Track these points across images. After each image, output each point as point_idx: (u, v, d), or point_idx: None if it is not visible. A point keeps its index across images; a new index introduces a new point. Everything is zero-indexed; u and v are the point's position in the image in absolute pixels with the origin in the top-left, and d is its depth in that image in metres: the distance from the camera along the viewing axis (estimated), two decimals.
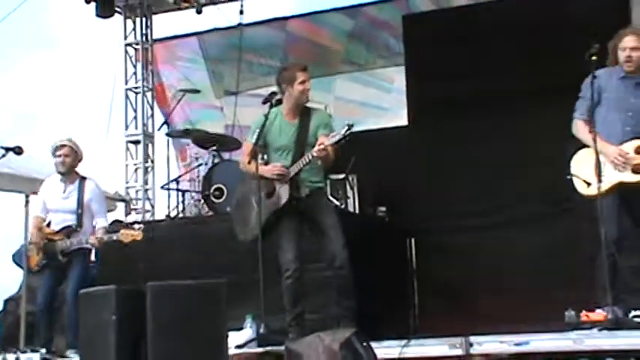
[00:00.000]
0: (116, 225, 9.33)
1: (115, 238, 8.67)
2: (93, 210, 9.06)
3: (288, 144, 7.86)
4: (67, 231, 8.92)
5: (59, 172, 9.10)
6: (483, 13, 12.08)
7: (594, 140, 6.96)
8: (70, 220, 8.98)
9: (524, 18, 11.38)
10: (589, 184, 7.06)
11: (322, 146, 7.47)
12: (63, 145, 9.06)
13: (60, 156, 9.04)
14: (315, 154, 7.53)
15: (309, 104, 8.06)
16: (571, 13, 10.76)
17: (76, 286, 8.46)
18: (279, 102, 8.08)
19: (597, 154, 6.94)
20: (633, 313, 6.64)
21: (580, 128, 7.31)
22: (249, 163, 7.89)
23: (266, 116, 7.85)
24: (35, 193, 9.23)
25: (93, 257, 9.42)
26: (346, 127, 7.48)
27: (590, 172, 7.10)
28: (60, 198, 9.08)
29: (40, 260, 8.99)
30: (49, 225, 9.04)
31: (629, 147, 7.12)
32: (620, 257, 6.95)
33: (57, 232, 8.96)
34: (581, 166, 7.20)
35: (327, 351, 6.12)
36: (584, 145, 7.27)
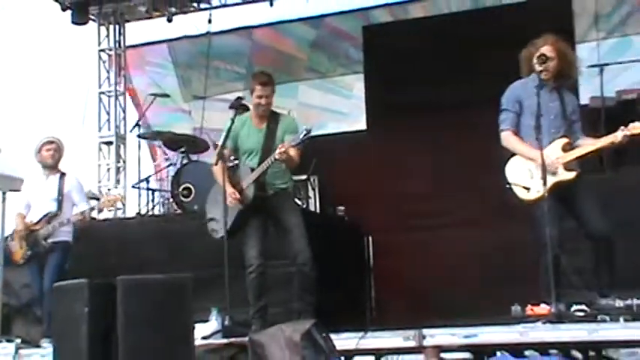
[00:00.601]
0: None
1: (96, 207, 9.13)
2: (74, 199, 9.17)
3: (256, 148, 7.90)
4: (48, 217, 9.01)
5: (46, 166, 9.23)
6: (438, 25, 12.19)
7: (540, 147, 7.00)
8: (51, 206, 9.06)
9: (477, 30, 11.49)
10: (528, 189, 7.11)
11: (283, 149, 7.54)
12: (52, 142, 9.25)
13: (50, 150, 9.21)
14: (277, 157, 7.58)
15: (276, 110, 8.09)
16: (520, 27, 10.84)
17: (52, 278, 8.50)
18: (244, 106, 8.12)
19: (543, 159, 6.98)
20: (575, 307, 6.70)
21: (509, 139, 7.36)
22: (216, 164, 7.94)
23: (232, 120, 7.89)
24: (12, 190, 9.27)
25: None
26: (304, 132, 7.57)
27: (525, 177, 7.16)
28: (41, 187, 9.20)
29: (24, 252, 9.07)
30: (31, 222, 9.12)
31: (557, 146, 7.16)
32: (564, 257, 7.02)
33: (38, 222, 9.04)
34: (515, 173, 7.24)
35: (288, 341, 6.15)
36: (514, 154, 7.34)
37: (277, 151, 7.59)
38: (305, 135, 7.57)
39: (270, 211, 7.86)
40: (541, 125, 7.07)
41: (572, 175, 7.10)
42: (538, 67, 7.22)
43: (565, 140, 7.17)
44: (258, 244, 7.77)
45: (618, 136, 7.01)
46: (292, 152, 7.66)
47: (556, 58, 7.25)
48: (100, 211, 9.57)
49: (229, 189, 7.75)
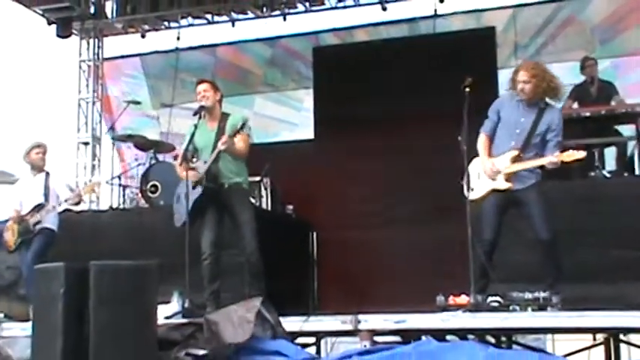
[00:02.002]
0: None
1: (79, 192, 9.25)
2: (58, 192, 9.25)
3: (208, 145, 7.90)
4: (38, 208, 9.11)
5: (35, 167, 9.36)
6: (380, 48, 12.27)
7: (487, 153, 7.23)
8: (40, 199, 9.17)
9: (413, 54, 11.58)
10: (472, 189, 7.18)
11: (224, 139, 7.63)
12: (39, 145, 9.39)
13: (39, 153, 9.35)
14: (221, 148, 7.64)
15: (226, 110, 8.15)
16: (450, 53, 10.97)
17: (35, 258, 8.59)
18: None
19: (467, 170, 7.12)
20: (490, 298, 6.77)
21: (480, 141, 7.37)
22: (180, 165, 7.98)
23: (196, 126, 7.92)
24: (4, 183, 9.41)
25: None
26: (241, 122, 7.72)
27: (474, 179, 7.24)
28: (30, 185, 9.32)
29: (16, 240, 9.18)
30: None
31: (507, 157, 7.19)
32: (491, 256, 7.10)
33: (28, 213, 9.14)
34: (470, 173, 7.27)
35: (241, 319, 6.17)
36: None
37: (220, 142, 7.66)
38: (242, 125, 7.69)
39: (225, 205, 7.87)
40: (502, 133, 7.29)
41: (507, 185, 7.15)
42: (517, 89, 7.26)
43: (515, 153, 7.16)
44: (212, 235, 7.80)
45: (545, 160, 7.06)
46: (235, 140, 7.72)
47: (533, 80, 7.18)
48: (80, 200, 9.51)
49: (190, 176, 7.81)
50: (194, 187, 7.82)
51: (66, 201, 9.12)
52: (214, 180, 7.80)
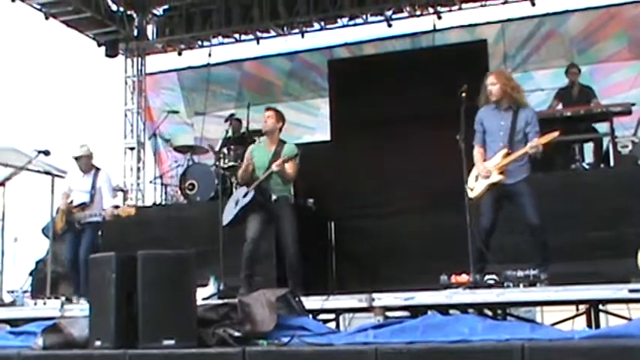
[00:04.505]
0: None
1: (116, 212, 8.96)
2: (103, 192, 9.22)
3: (265, 163, 8.07)
4: (83, 206, 9.13)
5: (85, 171, 9.32)
6: (386, 60, 12.24)
7: (485, 159, 7.28)
8: (85, 197, 9.17)
9: (416, 64, 11.55)
10: (472, 190, 7.21)
11: (277, 164, 7.81)
12: (76, 158, 9.29)
13: (81, 164, 9.28)
14: (274, 169, 7.82)
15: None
16: (448, 63, 10.93)
17: (87, 251, 8.62)
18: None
19: (464, 170, 7.14)
20: (487, 277, 6.76)
21: (475, 152, 7.38)
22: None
23: (227, 131, 8.03)
24: (60, 176, 9.51)
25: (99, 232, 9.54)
26: (295, 152, 7.95)
27: (473, 181, 7.26)
28: (79, 181, 9.30)
29: (63, 226, 9.22)
30: (71, 203, 9.24)
31: (499, 156, 7.21)
32: (488, 241, 7.10)
33: (75, 207, 9.17)
34: (471, 177, 7.29)
35: (268, 302, 6.17)
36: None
37: (273, 165, 7.83)
38: (295, 154, 7.94)
39: (273, 214, 8.03)
40: (490, 140, 7.30)
41: (500, 177, 7.15)
42: (487, 92, 7.33)
43: (505, 151, 7.18)
44: (255, 229, 7.92)
45: (527, 147, 7.05)
46: (286, 167, 7.91)
47: (498, 84, 7.29)
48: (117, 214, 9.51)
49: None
50: (244, 196, 7.93)
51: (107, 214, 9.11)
52: (264, 194, 7.91)
